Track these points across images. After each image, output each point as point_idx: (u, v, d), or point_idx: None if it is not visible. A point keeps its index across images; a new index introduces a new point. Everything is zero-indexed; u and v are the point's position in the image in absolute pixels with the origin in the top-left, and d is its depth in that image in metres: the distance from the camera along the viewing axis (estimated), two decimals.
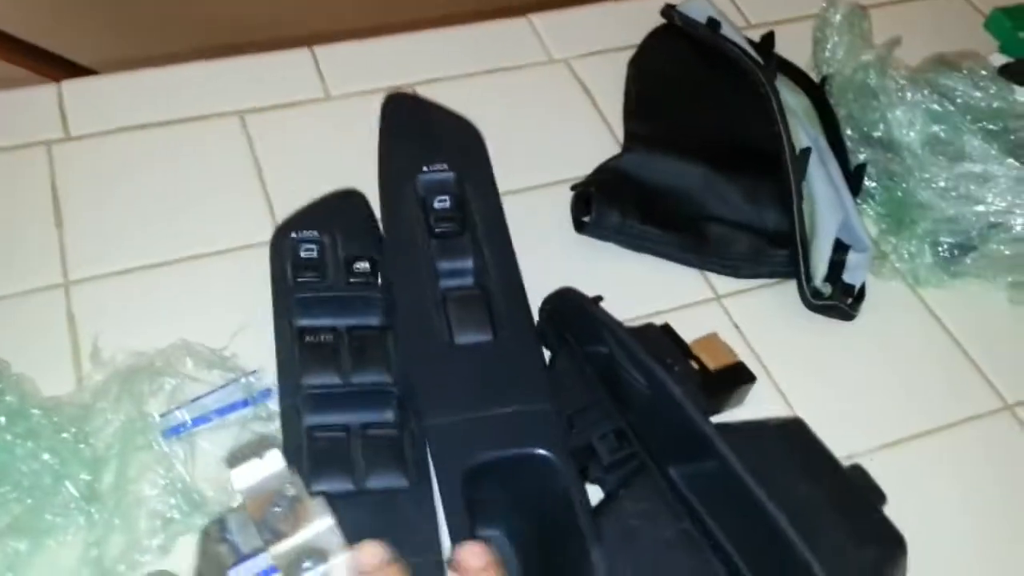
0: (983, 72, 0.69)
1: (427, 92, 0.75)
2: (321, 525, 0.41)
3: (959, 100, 0.67)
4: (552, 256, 0.65)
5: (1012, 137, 0.65)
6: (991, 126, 0.65)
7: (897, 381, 0.61)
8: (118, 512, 0.47)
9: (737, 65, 0.71)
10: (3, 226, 0.63)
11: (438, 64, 0.78)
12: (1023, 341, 0.64)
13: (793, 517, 0.45)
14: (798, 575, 0.44)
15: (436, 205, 0.61)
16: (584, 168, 0.69)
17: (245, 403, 0.52)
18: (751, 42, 0.77)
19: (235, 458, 0.44)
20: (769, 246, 0.64)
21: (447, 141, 0.66)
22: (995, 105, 0.67)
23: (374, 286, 0.58)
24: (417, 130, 0.66)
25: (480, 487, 0.50)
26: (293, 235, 0.59)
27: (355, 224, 0.61)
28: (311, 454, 0.51)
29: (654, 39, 0.79)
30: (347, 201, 0.63)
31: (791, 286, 0.64)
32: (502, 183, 0.67)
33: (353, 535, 0.42)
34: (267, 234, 0.62)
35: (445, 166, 0.63)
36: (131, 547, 0.47)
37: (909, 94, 0.63)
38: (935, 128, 0.62)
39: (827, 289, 0.62)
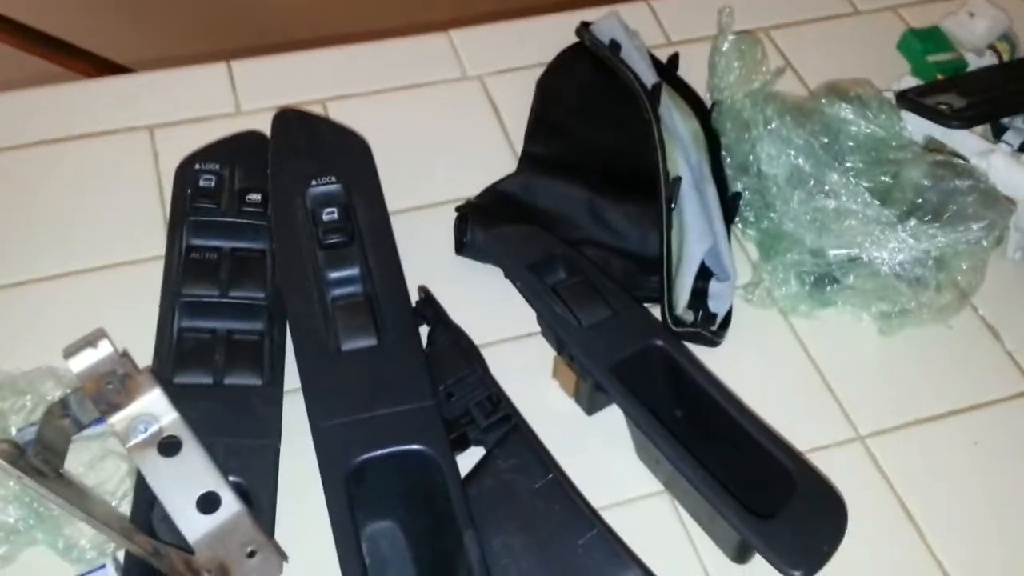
0: (871, 100, 0.69)
1: (338, 108, 0.77)
2: (151, 394, 0.52)
3: (849, 129, 0.68)
4: (436, 274, 0.67)
5: (889, 168, 0.66)
6: (869, 157, 0.66)
7: (758, 407, 0.62)
8: None
9: (628, 90, 0.72)
10: None
11: (354, 79, 0.80)
12: (884, 372, 0.65)
13: None
14: None
15: (324, 217, 0.64)
16: (480, 188, 0.71)
17: (100, 420, 0.55)
18: (657, 63, 0.78)
19: (71, 350, 0.52)
20: (642, 271, 0.66)
21: (336, 155, 0.69)
22: (880, 135, 0.68)
23: (263, 215, 0.65)
24: (306, 145, 0.69)
25: (367, 483, 0.54)
26: (196, 166, 0.67)
27: (253, 160, 0.68)
28: (178, 352, 0.58)
29: (563, 59, 0.80)
30: (249, 140, 0.71)
31: None
32: (399, 200, 0.69)
33: (206, 423, 0.53)
34: (160, 250, 0.66)
35: (333, 179, 0.66)
36: None
37: (775, 126, 0.63)
38: (799, 161, 0.62)
39: (689, 316, 0.63)
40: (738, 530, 0.49)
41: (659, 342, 0.56)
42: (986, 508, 0.60)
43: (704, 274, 0.64)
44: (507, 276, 0.61)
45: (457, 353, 0.59)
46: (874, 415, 0.62)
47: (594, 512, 0.54)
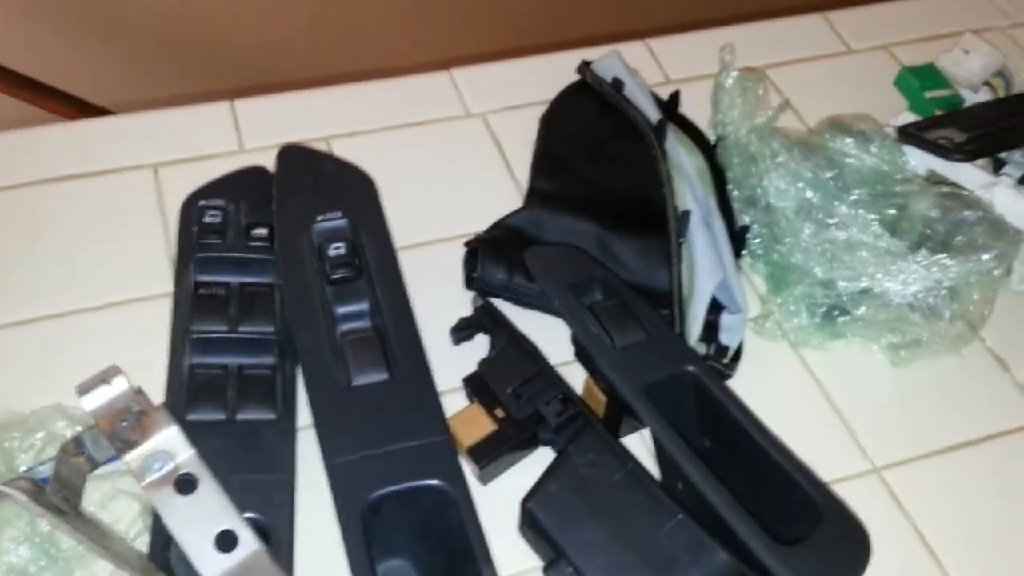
0: (873, 135, 0.70)
1: (342, 145, 0.77)
2: (167, 431, 0.51)
3: (849, 162, 0.69)
4: (445, 309, 0.66)
5: (895, 201, 0.67)
6: (874, 190, 0.67)
7: None
8: None
9: (633, 126, 0.73)
10: None
11: (357, 117, 0.80)
12: (896, 404, 0.65)
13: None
14: None
15: (331, 252, 0.64)
16: (487, 224, 0.71)
17: (115, 457, 0.54)
18: (659, 100, 0.79)
19: (85, 387, 0.51)
20: (652, 305, 0.66)
21: (340, 190, 0.69)
22: (883, 169, 0.69)
23: (269, 250, 0.64)
24: (310, 181, 0.69)
25: (382, 519, 0.53)
26: (202, 202, 0.67)
27: (258, 195, 0.68)
28: (189, 388, 0.57)
29: (566, 96, 0.81)
30: (253, 175, 0.71)
31: None
32: (407, 236, 0.69)
33: (219, 459, 0.51)
34: (167, 286, 0.65)
35: (339, 214, 0.66)
36: None
37: (783, 159, 0.64)
38: (808, 194, 0.63)
39: (701, 349, 0.63)
40: (761, 556, 0.49)
41: (691, 368, 0.56)
42: (1003, 539, 0.59)
43: (715, 307, 0.64)
44: (540, 294, 0.61)
45: (521, 356, 0.60)
46: (888, 447, 0.62)
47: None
